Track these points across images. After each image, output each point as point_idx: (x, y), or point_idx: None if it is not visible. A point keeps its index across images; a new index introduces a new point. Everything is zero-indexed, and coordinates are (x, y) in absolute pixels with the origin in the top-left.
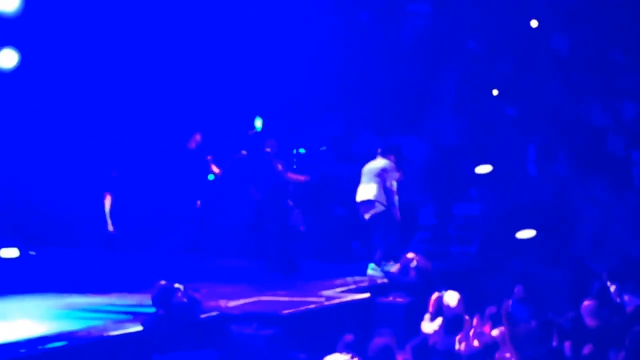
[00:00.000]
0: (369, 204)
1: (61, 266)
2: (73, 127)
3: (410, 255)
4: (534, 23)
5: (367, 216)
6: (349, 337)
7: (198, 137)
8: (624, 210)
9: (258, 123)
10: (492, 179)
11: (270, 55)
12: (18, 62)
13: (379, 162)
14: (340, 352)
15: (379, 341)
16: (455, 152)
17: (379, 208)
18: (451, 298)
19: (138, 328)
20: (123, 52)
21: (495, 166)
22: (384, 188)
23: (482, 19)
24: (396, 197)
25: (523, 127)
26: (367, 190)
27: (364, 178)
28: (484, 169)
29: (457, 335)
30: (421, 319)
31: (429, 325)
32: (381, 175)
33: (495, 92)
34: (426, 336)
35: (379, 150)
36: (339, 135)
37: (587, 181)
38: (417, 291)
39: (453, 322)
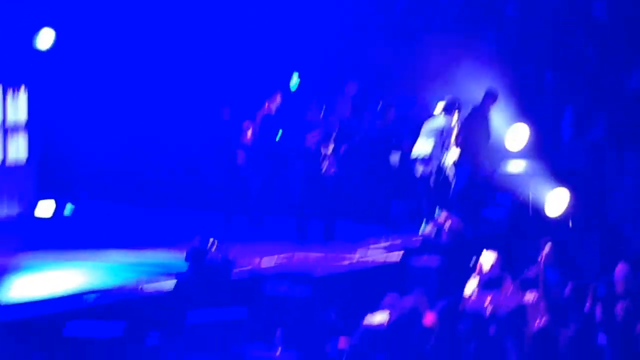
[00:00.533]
0: (424, 161)
1: (96, 221)
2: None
3: (443, 216)
4: None
5: (419, 173)
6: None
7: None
8: None
9: (294, 80)
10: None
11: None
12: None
13: (440, 120)
14: (382, 310)
15: (407, 301)
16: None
17: (433, 166)
18: (487, 259)
19: (172, 284)
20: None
21: (532, 131)
22: (442, 146)
23: None
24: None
25: (561, 91)
26: (424, 147)
27: (422, 134)
28: (517, 166)
29: (489, 296)
30: (453, 280)
31: (468, 285)
32: (440, 133)
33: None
34: (456, 298)
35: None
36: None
37: (624, 149)
38: (449, 253)
39: (488, 282)
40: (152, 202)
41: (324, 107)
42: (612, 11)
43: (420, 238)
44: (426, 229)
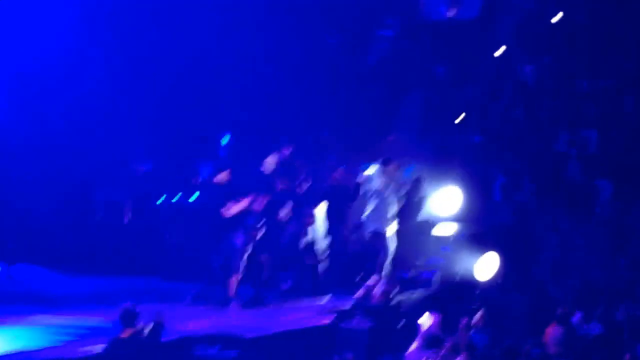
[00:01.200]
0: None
1: (24, 283)
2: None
3: (373, 280)
4: (499, 51)
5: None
6: None
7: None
8: (584, 239)
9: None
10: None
11: (236, 75)
12: None
13: (374, 183)
14: None
15: None
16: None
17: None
18: (426, 320)
19: (101, 346)
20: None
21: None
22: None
23: (449, 45)
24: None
25: (489, 154)
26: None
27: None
28: (445, 229)
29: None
30: (383, 343)
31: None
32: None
33: (461, 117)
34: None
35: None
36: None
37: (550, 208)
38: (380, 316)
39: (428, 342)
40: (80, 266)
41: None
42: (539, 75)
43: (352, 301)
44: (357, 291)
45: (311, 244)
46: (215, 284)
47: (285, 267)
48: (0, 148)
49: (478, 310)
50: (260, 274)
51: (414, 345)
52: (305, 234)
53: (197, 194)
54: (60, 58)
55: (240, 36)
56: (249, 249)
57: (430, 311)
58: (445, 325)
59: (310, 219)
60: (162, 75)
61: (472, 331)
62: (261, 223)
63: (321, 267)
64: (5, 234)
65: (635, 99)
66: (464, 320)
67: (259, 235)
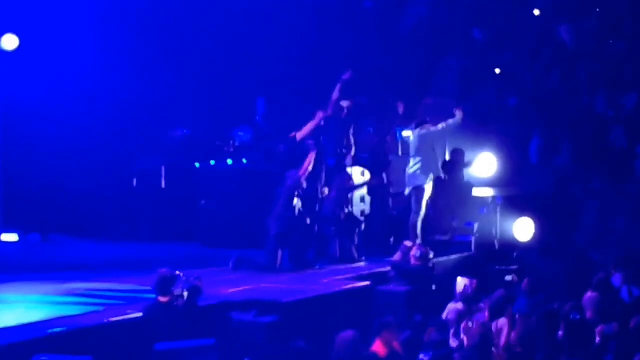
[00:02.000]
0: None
1: (62, 251)
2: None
3: (408, 243)
4: (536, 12)
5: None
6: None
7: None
8: (625, 202)
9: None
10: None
11: (271, 41)
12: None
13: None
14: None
15: (344, 336)
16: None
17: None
18: (462, 282)
19: (138, 315)
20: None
21: (498, 155)
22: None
23: (486, 8)
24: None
25: (526, 117)
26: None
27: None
28: (485, 192)
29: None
30: (421, 306)
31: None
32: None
33: (497, 71)
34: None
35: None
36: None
37: (589, 172)
38: (417, 279)
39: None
40: (118, 233)
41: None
42: (577, 37)
43: (389, 264)
44: (395, 254)
45: (351, 210)
46: (264, 250)
47: (325, 233)
48: (38, 121)
49: (516, 274)
50: (308, 240)
51: (451, 306)
52: (346, 199)
53: (231, 160)
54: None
55: (273, 3)
56: (302, 216)
57: (467, 274)
58: (483, 289)
59: (350, 183)
60: (196, 44)
61: (510, 294)
62: (310, 190)
63: (360, 231)
64: (43, 204)
65: None
66: (502, 284)
67: (309, 201)
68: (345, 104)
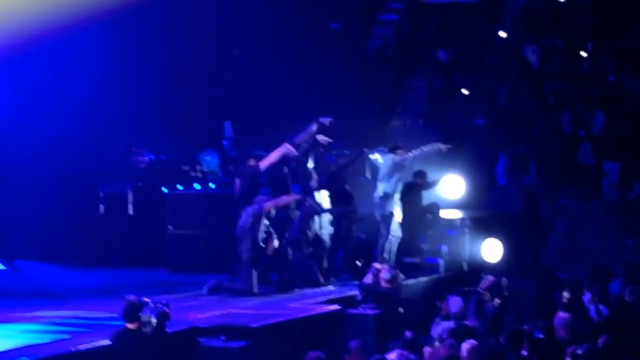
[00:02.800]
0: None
1: (29, 279)
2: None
3: (378, 265)
4: (502, 34)
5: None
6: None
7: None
8: (593, 221)
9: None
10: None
11: (238, 65)
12: None
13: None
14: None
15: (312, 355)
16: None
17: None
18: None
19: (106, 342)
20: None
21: (466, 176)
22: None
23: (452, 30)
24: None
25: (493, 137)
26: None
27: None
28: (452, 214)
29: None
30: (391, 329)
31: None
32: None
33: (465, 92)
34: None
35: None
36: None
37: (557, 191)
38: (387, 301)
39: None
40: (85, 260)
41: None
42: (543, 56)
43: (359, 287)
44: (364, 277)
45: (320, 233)
46: (239, 275)
47: (295, 257)
48: (3, 146)
49: (484, 295)
50: (281, 264)
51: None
52: (313, 222)
53: (198, 184)
54: (63, 55)
55: (242, 25)
56: (275, 239)
57: (437, 297)
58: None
59: (317, 207)
60: (162, 67)
61: (478, 315)
62: (279, 213)
63: (328, 254)
64: (9, 231)
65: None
66: (470, 305)
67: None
68: (317, 136)
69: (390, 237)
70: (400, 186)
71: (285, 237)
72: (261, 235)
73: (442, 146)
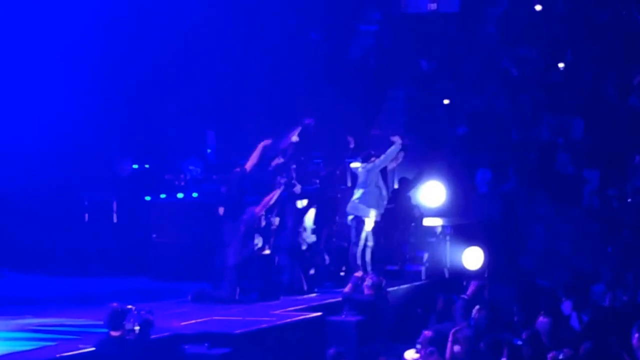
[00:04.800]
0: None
1: (14, 286)
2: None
3: (359, 273)
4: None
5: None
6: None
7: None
8: (571, 228)
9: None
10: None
11: (220, 74)
12: None
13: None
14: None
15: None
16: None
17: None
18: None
19: (91, 349)
20: None
21: (446, 184)
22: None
23: (432, 39)
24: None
25: (473, 145)
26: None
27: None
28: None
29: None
30: (372, 336)
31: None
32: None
33: (446, 102)
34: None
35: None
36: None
37: (536, 198)
38: (370, 309)
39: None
40: (69, 269)
41: None
42: (522, 66)
43: (340, 294)
44: (346, 285)
45: (299, 242)
46: (224, 282)
47: (282, 265)
48: None
49: (466, 303)
50: (267, 272)
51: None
52: (302, 230)
53: (182, 193)
54: (47, 63)
55: (224, 35)
56: (260, 248)
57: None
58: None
59: (303, 215)
60: (145, 75)
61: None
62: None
63: (310, 263)
64: None
65: (617, 87)
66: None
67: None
68: (295, 139)
69: (362, 245)
70: (377, 194)
71: (276, 244)
72: (253, 243)
73: (398, 139)
